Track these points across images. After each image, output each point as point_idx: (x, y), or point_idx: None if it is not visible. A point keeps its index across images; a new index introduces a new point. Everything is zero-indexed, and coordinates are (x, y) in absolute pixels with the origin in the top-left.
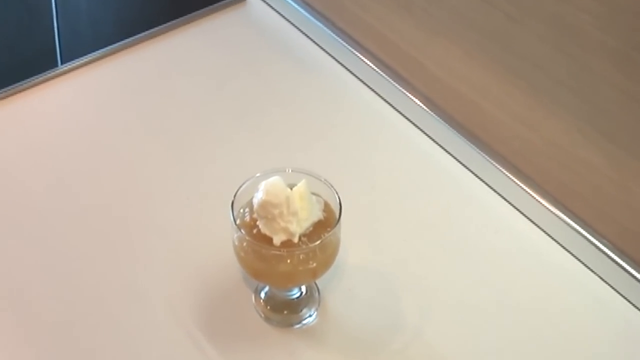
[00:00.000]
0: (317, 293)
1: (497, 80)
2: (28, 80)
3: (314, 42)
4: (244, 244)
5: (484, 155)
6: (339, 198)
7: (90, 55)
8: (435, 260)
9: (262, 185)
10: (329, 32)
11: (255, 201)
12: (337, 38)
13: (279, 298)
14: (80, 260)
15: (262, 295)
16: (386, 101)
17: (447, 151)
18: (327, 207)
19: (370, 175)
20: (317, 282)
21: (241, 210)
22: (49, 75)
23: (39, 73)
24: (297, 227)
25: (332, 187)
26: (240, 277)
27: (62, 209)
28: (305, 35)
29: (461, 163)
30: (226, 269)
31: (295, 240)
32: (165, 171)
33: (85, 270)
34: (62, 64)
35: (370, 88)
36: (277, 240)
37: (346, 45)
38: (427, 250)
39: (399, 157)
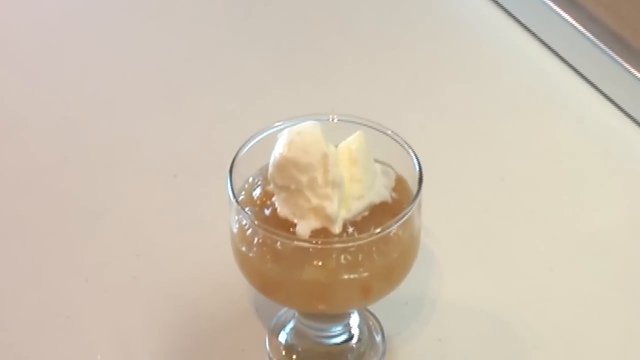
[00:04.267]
0: (379, 337)
1: None
2: None
3: None
4: (249, 232)
5: None
6: (419, 168)
7: None
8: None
9: (284, 135)
10: None
11: (272, 161)
12: None
13: (311, 342)
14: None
15: (283, 336)
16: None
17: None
18: (399, 185)
19: (487, 145)
20: (380, 319)
21: (250, 180)
22: None
23: None
24: (341, 207)
25: (411, 149)
26: (246, 300)
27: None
28: None
29: None
30: (222, 285)
31: (336, 229)
32: (151, 132)
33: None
34: None
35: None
36: (305, 227)
37: None
38: (579, 287)
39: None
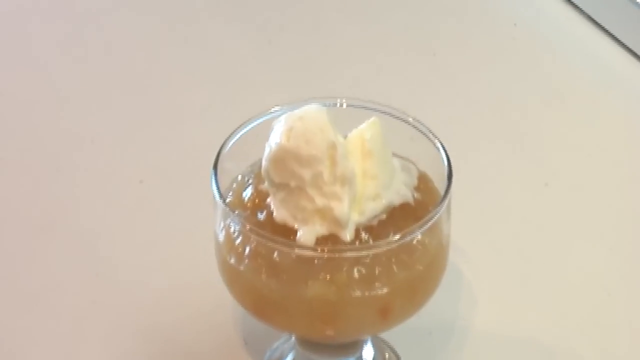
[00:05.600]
0: None
1: None
2: None
3: None
4: (239, 241)
5: None
6: (448, 161)
7: None
8: None
9: (282, 122)
10: None
11: (267, 154)
12: None
13: None
14: None
15: None
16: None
17: None
18: (423, 183)
19: (526, 142)
20: (399, 352)
21: (239, 179)
22: None
23: None
24: (353, 209)
25: (437, 139)
26: (232, 328)
27: None
28: None
29: None
30: (202, 311)
31: (347, 236)
32: (109, 129)
33: None
34: None
35: None
36: (309, 234)
37: None
38: None
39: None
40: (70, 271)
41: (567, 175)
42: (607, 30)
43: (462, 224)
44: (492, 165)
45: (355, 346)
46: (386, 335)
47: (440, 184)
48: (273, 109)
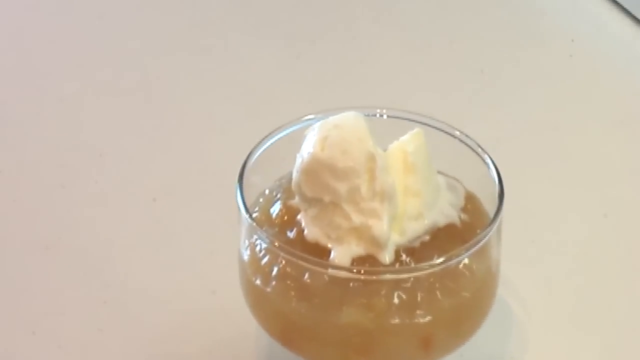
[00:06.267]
0: None
1: None
2: None
3: None
4: (266, 260)
5: None
6: (499, 180)
7: None
8: None
9: (316, 130)
10: None
11: (299, 165)
12: None
13: None
14: None
15: None
16: None
17: None
18: (470, 204)
19: (584, 169)
20: None
21: (267, 194)
22: None
23: None
24: (393, 228)
25: (488, 155)
26: (257, 356)
27: None
28: None
29: None
30: (220, 342)
31: (387, 257)
32: (121, 142)
33: None
34: None
35: None
36: (344, 254)
37: None
38: None
39: None
40: (75, 295)
41: (628, 206)
42: None
43: (511, 254)
44: (546, 191)
45: None
46: None
47: (489, 206)
48: (305, 117)
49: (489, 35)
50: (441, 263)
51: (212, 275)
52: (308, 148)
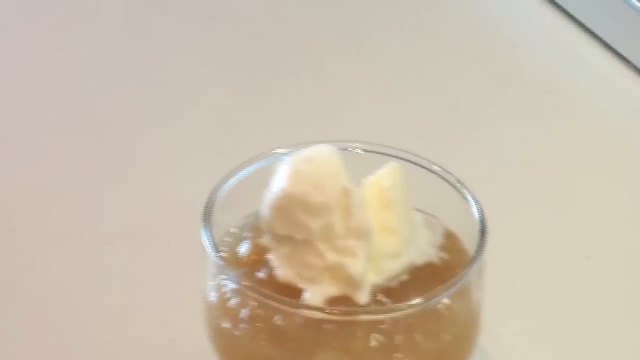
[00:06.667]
0: None
1: None
2: None
3: None
4: (234, 301)
5: None
6: (480, 216)
7: None
8: None
9: (287, 164)
10: None
11: (269, 201)
12: None
13: None
14: None
15: None
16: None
17: None
18: (449, 242)
19: (564, 208)
20: None
21: (233, 232)
22: None
23: None
24: (370, 268)
25: (467, 190)
26: None
27: None
28: None
29: None
30: None
31: (362, 298)
32: (70, 183)
33: None
34: None
35: None
36: (318, 295)
37: None
38: None
39: None
40: (24, 348)
41: (611, 248)
42: None
43: (492, 299)
44: (524, 234)
45: None
46: None
47: (470, 245)
48: (273, 151)
49: (462, 68)
50: (420, 303)
51: (170, 324)
52: (279, 183)
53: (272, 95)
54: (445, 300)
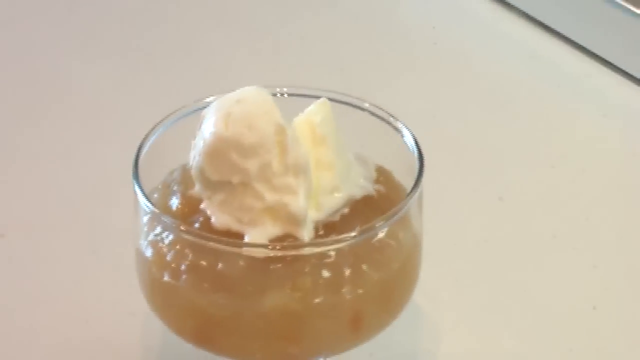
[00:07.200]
0: None
1: None
2: None
3: None
4: (175, 252)
5: None
6: (416, 145)
7: None
8: None
9: (215, 108)
10: None
11: (200, 148)
12: None
13: None
14: None
15: None
16: None
17: None
18: (383, 177)
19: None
20: None
21: (160, 189)
22: None
23: None
24: (310, 204)
25: (401, 122)
26: None
27: None
28: None
29: None
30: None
31: (306, 234)
32: None
33: None
34: None
35: None
36: (259, 236)
37: None
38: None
39: None
40: None
41: (522, 187)
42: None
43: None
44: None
45: None
46: None
47: (403, 179)
48: (200, 101)
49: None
50: (364, 231)
51: (79, 308)
52: (209, 128)
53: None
54: (389, 229)
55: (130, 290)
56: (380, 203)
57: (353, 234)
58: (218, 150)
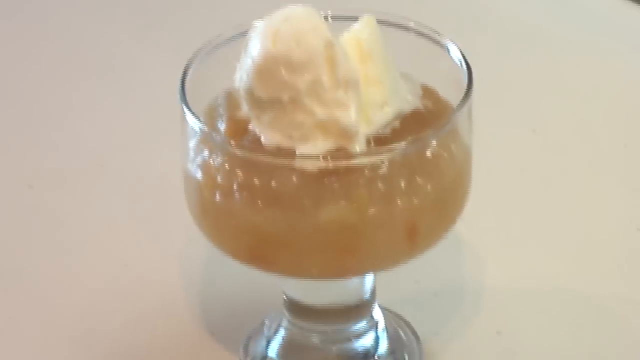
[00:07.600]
0: (411, 339)
1: None
2: None
3: None
4: (226, 171)
5: None
6: (465, 60)
7: None
8: None
9: (262, 27)
10: None
11: (247, 69)
12: None
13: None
14: None
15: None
16: None
17: None
18: (428, 94)
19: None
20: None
21: (205, 111)
22: None
23: None
24: (360, 118)
25: (449, 40)
26: (191, 317)
27: None
28: None
29: None
30: (153, 305)
31: (358, 148)
32: None
33: None
34: None
35: None
36: (311, 151)
37: None
38: None
39: None
40: None
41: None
42: None
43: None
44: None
45: (364, 308)
46: (391, 302)
47: (448, 96)
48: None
49: None
50: (416, 140)
51: (118, 254)
52: (257, 46)
53: None
54: (441, 141)
55: (164, 234)
56: (429, 117)
57: (405, 143)
58: (267, 68)
